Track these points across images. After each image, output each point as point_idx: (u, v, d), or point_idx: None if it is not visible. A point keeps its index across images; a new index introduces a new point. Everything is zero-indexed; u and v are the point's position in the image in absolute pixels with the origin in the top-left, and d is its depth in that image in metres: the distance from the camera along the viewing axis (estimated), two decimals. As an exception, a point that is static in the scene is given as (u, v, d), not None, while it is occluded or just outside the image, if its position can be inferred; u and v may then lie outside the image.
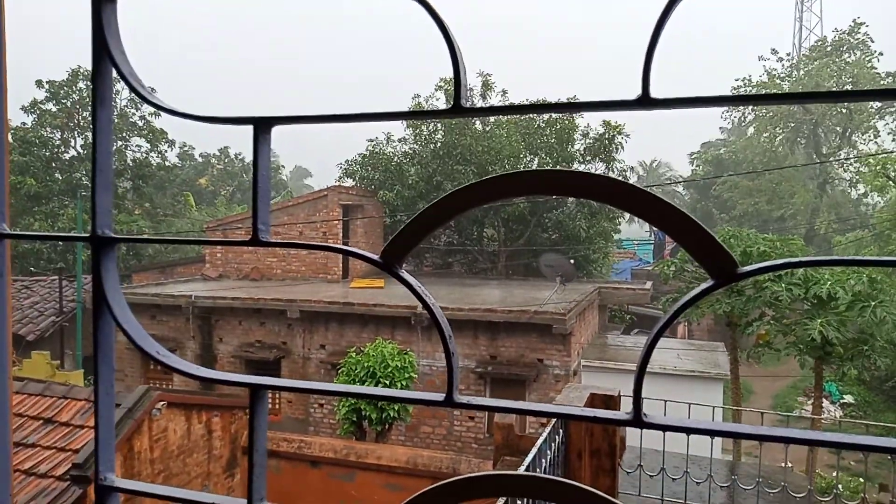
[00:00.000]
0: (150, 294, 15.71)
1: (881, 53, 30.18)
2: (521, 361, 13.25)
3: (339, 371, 11.12)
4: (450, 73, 0.60)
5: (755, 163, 32.09)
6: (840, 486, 6.98)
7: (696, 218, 0.55)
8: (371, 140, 22.87)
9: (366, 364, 10.42)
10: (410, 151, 22.30)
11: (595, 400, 4.75)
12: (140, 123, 26.36)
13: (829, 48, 31.80)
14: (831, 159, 32.06)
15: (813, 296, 11.20)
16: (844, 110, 31.71)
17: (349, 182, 22.38)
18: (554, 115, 21.23)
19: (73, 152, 26.46)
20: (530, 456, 3.54)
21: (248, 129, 0.67)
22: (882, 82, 28.61)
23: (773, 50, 32.87)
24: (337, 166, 23.12)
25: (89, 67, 0.70)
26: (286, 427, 13.02)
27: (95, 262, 0.70)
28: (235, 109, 0.73)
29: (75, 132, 26.30)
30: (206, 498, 0.67)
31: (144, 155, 26.61)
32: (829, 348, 11.44)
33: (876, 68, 29.99)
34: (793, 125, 32.77)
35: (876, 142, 30.09)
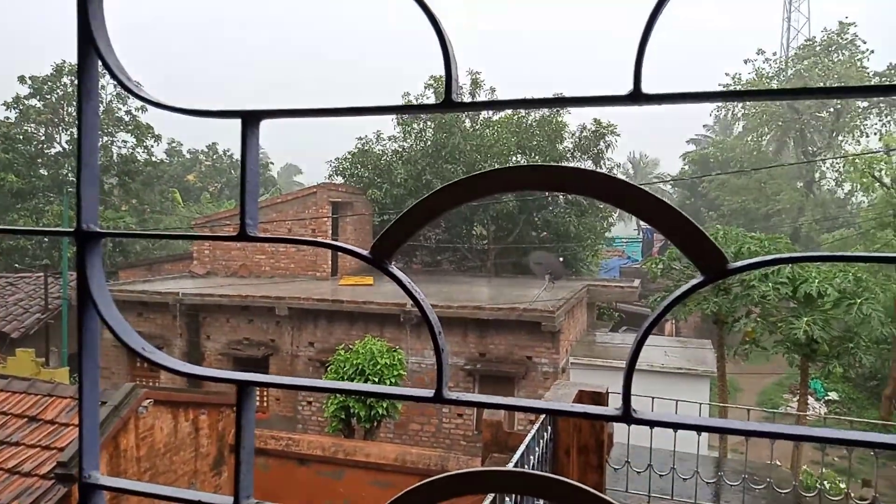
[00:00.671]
0: (137, 291, 15.59)
1: (872, 51, 30.40)
2: (510, 359, 13.28)
3: (328, 368, 11.10)
4: (439, 71, 0.59)
5: (743, 162, 32.31)
6: (826, 484, 7.06)
7: (686, 214, 0.55)
8: (361, 138, 22.88)
9: (355, 361, 10.40)
10: (400, 150, 22.29)
11: (583, 396, 4.79)
12: (126, 119, 26.09)
13: (817, 48, 32.01)
14: (818, 158, 32.32)
15: (802, 295, 11.31)
16: (832, 110, 31.96)
17: (339, 180, 22.34)
18: (544, 115, 21.24)
19: (58, 148, 26.18)
20: (518, 452, 3.56)
21: (237, 125, 0.66)
22: (871, 81, 28.86)
23: (760, 50, 32.94)
24: (327, 164, 23.10)
25: (74, 62, 0.69)
26: (274, 425, 12.97)
27: (80, 258, 0.69)
28: (225, 105, 0.72)
29: (60, 127, 26.01)
30: (192, 496, 0.66)
31: (131, 150, 26.35)
32: (815, 346, 11.56)
33: (866, 67, 30.20)
34: (781, 124, 32.99)
35: (860, 141, 30.34)
